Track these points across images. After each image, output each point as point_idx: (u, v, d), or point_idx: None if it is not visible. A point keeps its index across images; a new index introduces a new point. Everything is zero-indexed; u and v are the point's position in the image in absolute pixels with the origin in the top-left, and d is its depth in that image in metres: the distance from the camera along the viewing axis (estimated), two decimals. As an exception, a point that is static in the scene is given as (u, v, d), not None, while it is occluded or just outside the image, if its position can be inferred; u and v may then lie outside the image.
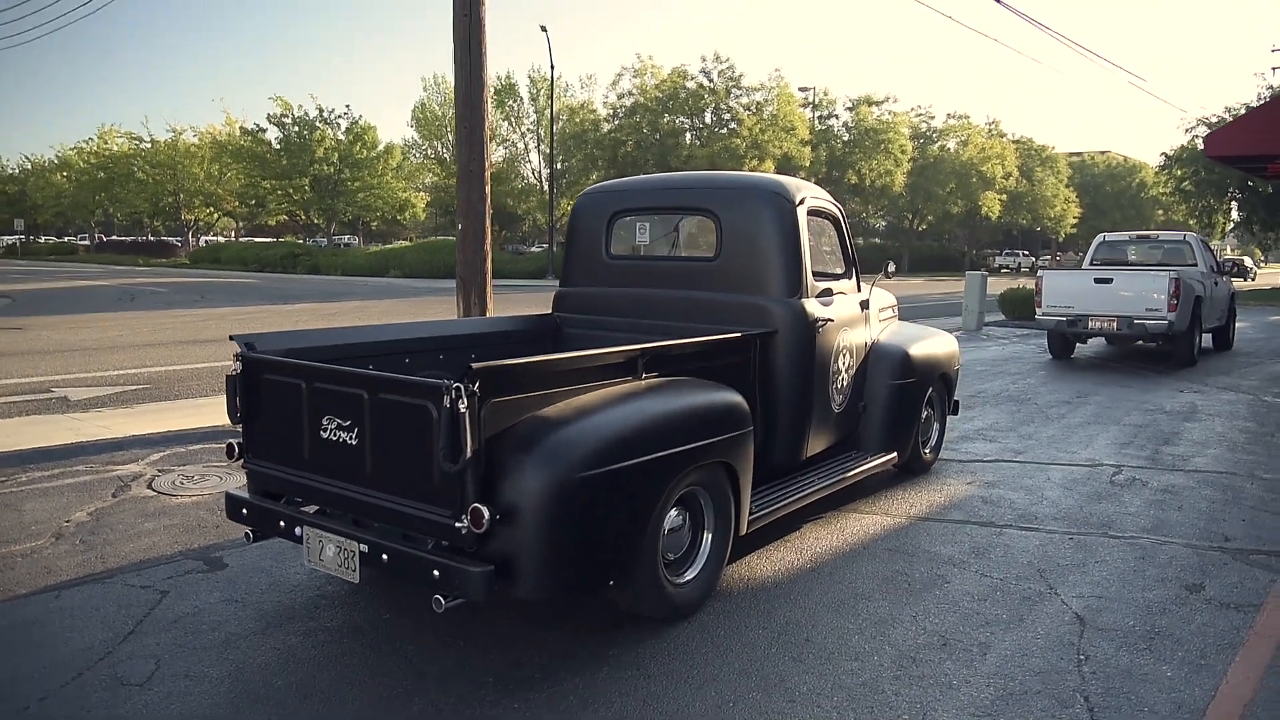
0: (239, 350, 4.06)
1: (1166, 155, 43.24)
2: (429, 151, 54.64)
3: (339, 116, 50.08)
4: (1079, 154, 76.16)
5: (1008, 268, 64.32)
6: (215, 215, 63.09)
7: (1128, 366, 12.77)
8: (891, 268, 6.18)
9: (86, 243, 70.78)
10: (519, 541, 3.28)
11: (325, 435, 3.69)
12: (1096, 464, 6.91)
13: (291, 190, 50.05)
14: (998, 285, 26.06)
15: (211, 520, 5.35)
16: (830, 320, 5.19)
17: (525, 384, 3.50)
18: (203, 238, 67.79)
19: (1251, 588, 4.47)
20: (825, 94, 55.20)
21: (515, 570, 3.29)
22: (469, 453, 3.18)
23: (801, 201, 5.11)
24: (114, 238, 71.63)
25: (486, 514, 3.18)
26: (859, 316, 5.73)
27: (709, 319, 5.05)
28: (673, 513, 3.94)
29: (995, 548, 4.99)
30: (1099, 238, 14.94)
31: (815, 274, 5.19)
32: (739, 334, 4.68)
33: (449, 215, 61.92)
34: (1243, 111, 37.85)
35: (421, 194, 57.22)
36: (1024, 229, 70.86)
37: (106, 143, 61.25)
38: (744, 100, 48.73)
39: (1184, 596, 4.35)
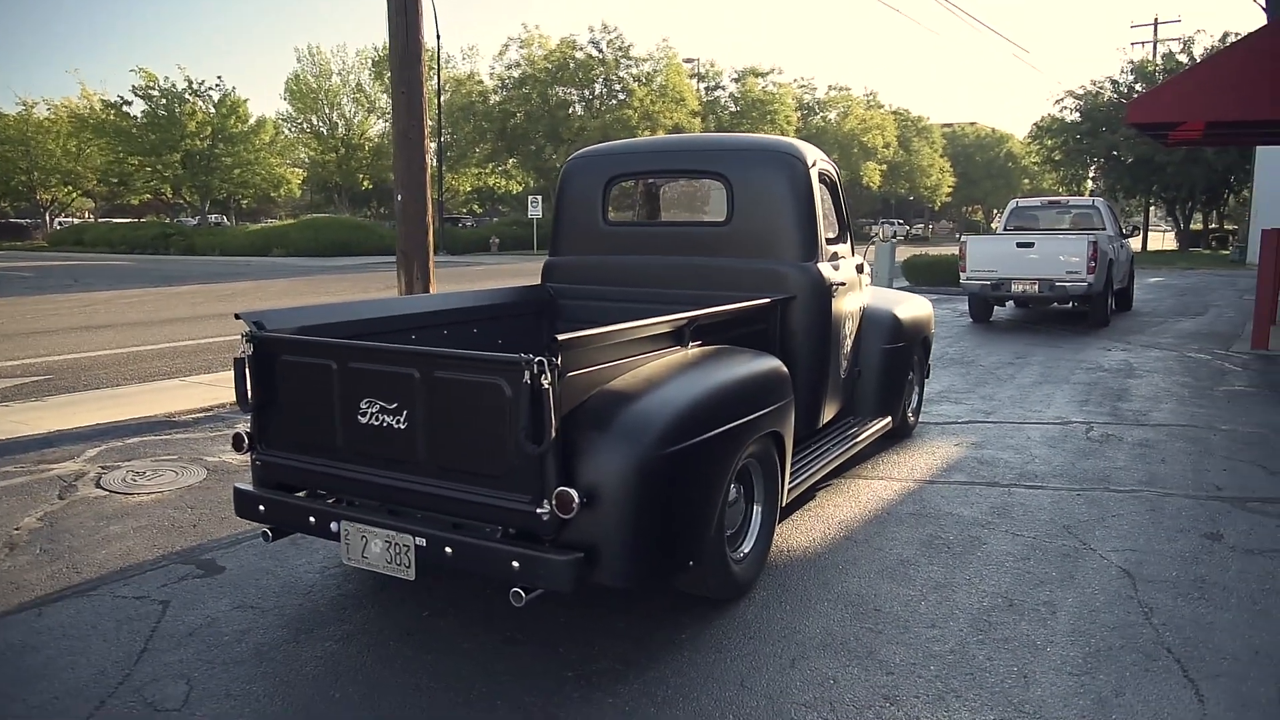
0: (247, 330, 3.67)
1: (1038, 126, 45.33)
2: (304, 125, 52.41)
3: (210, 89, 47.46)
4: (950, 125, 78.69)
5: (880, 237, 65.91)
6: (73, 195, 58.95)
7: (1046, 327, 13.19)
8: (903, 229, 6.12)
9: (-77, 227, 65.28)
10: (602, 525, 3.05)
11: (364, 420, 3.37)
12: (1067, 421, 7.06)
13: (161, 167, 47.16)
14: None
15: (186, 519, 4.91)
16: (842, 284, 5.09)
17: (597, 356, 3.26)
18: (57, 219, 63.37)
19: (1265, 534, 4.59)
20: (712, 65, 55.40)
21: (599, 556, 3.07)
22: (553, 433, 2.94)
23: (814, 164, 4.98)
24: (-45, 222, 66.35)
25: (576, 497, 2.95)
26: (856, 281, 5.65)
27: (720, 286, 4.87)
28: (730, 487, 3.78)
29: (1013, 507, 5.01)
30: (1011, 203, 15.38)
31: (825, 239, 5.08)
32: (769, 299, 4.53)
33: (326, 192, 59.45)
34: (1107, 85, 40.30)
35: (297, 170, 54.83)
36: (901, 198, 72.95)
37: (-56, 116, 56.39)
38: (633, 71, 48.38)
39: (1209, 546, 4.43)
